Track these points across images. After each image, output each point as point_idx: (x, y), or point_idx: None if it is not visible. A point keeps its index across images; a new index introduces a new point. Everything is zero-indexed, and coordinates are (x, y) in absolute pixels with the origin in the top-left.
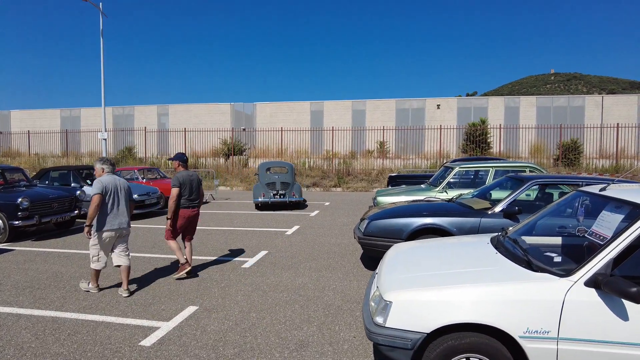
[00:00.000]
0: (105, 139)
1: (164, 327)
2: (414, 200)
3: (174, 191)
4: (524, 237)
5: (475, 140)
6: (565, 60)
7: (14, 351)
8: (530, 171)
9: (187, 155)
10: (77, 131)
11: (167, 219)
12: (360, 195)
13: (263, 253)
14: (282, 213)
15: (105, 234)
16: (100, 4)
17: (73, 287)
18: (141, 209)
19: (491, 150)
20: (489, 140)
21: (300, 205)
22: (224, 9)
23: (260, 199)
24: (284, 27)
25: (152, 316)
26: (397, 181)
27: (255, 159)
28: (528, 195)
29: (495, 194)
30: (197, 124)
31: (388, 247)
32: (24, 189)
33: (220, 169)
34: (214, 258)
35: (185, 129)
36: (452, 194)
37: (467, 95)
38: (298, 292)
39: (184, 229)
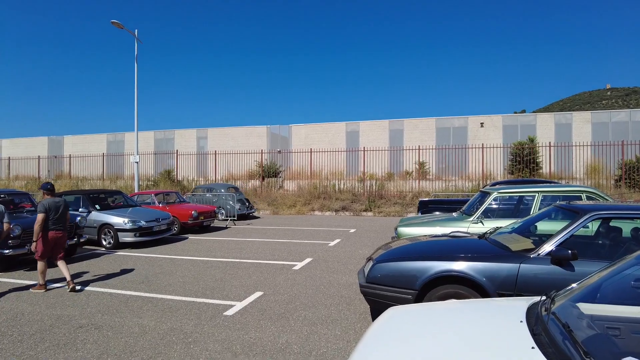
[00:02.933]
0: (137, 162)
1: None
2: (439, 235)
3: (39, 217)
4: (583, 308)
5: (523, 160)
6: (622, 74)
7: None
8: (587, 197)
9: (52, 184)
10: (118, 154)
11: (33, 241)
12: (391, 221)
13: (256, 295)
14: (299, 242)
15: None
16: (136, 30)
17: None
18: (149, 236)
19: (541, 171)
20: (538, 160)
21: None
22: (262, 37)
23: None
24: (321, 50)
25: None
26: (429, 207)
27: (290, 180)
28: (586, 228)
29: (543, 227)
30: (234, 147)
31: (397, 299)
32: (26, 215)
33: (249, 192)
34: (198, 300)
35: (216, 151)
36: (489, 225)
37: (515, 113)
38: (275, 356)
39: (51, 250)
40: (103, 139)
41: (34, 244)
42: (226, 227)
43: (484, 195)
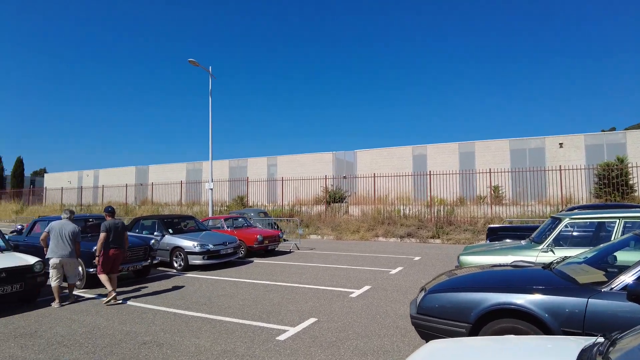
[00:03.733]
0: (211, 189)
1: None
2: (500, 265)
3: (101, 236)
4: None
5: (611, 182)
6: None
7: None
8: None
9: (113, 207)
10: (195, 182)
11: (96, 256)
12: (460, 249)
13: (310, 321)
14: (360, 268)
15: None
16: (210, 67)
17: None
18: (216, 259)
19: (635, 194)
20: (630, 182)
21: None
22: (327, 64)
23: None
24: (386, 69)
25: None
26: (498, 234)
27: (355, 206)
28: None
29: (622, 258)
30: (301, 173)
31: (449, 333)
32: None
33: (313, 217)
34: (254, 323)
35: (282, 177)
36: (561, 255)
37: (602, 131)
38: None
39: (111, 265)
40: (183, 168)
41: (96, 259)
42: (290, 252)
43: (555, 221)
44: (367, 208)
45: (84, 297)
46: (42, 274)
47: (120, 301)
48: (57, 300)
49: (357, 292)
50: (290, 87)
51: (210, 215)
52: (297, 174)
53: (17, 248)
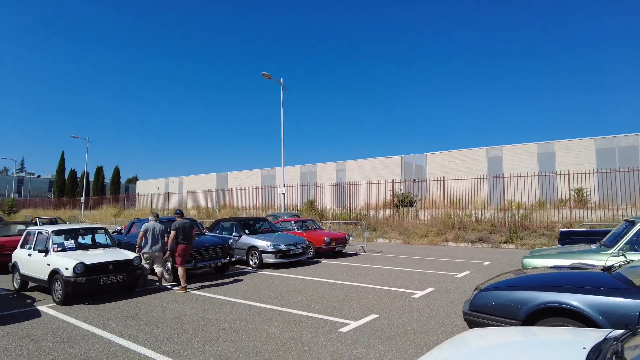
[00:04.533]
0: (283, 193)
1: None
2: (558, 267)
3: (172, 234)
4: None
5: None
6: None
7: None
8: None
9: (181, 210)
10: (269, 187)
11: (167, 250)
12: None
13: (371, 317)
14: (425, 272)
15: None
16: (281, 79)
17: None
18: (287, 258)
19: None
20: None
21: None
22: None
23: None
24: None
25: None
26: (571, 238)
27: (426, 210)
28: None
29: None
30: (369, 177)
31: None
32: (194, 236)
33: (380, 221)
34: (319, 316)
35: (349, 182)
36: (635, 259)
37: None
38: None
39: (184, 257)
40: (258, 174)
41: (167, 252)
42: (357, 254)
43: (629, 225)
44: (438, 212)
45: (172, 288)
46: (140, 267)
47: (188, 292)
48: (159, 282)
49: (419, 293)
50: (359, 91)
51: (287, 218)
52: (365, 179)
53: (119, 245)
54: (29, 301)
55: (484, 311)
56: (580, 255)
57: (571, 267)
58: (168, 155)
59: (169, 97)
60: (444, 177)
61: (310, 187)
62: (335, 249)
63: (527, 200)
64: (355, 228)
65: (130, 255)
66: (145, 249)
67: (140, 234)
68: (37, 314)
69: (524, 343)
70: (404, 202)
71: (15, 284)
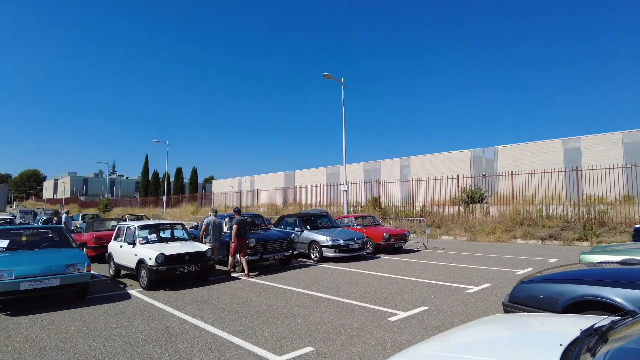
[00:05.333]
0: (346, 191)
1: None
2: (607, 262)
3: (234, 228)
4: None
5: None
6: None
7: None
8: None
9: (239, 208)
10: (333, 184)
11: (231, 242)
12: None
13: (421, 309)
14: (484, 268)
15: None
16: (342, 78)
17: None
18: (346, 253)
19: None
20: None
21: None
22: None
23: None
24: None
25: None
26: None
27: (498, 206)
28: None
29: None
30: (436, 173)
31: None
32: (260, 231)
33: (445, 218)
34: (371, 306)
35: (412, 178)
36: None
37: None
38: None
39: (239, 249)
40: (323, 172)
41: (231, 244)
42: (418, 250)
43: None
44: (507, 208)
45: (240, 278)
46: (212, 258)
47: (246, 277)
48: (228, 272)
49: (474, 289)
50: (424, 84)
51: (346, 214)
52: (431, 174)
53: (194, 239)
54: (121, 286)
55: (522, 303)
56: None
57: (621, 263)
58: (241, 156)
59: (240, 102)
60: (512, 172)
61: (373, 184)
62: (394, 245)
63: (610, 195)
64: (418, 225)
65: (203, 247)
66: (207, 240)
67: (203, 227)
68: (128, 296)
69: (534, 327)
70: (472, 198)
71: (110, 271)
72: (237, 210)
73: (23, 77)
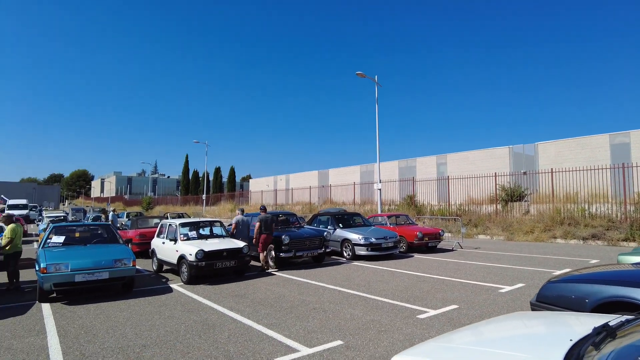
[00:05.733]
0: (379, 189)
1: None
2: None
3: (257, 225)
4: None
5: None
6: None
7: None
8: None
9: (265, 206)
10: (366, 183)
11: (254, 238)
12: None
13: (451, 307)
14: (519, 268)
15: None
16: (376, 76)
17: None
18: (378, 251)
19: None
20: None
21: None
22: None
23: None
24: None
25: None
26: None
27: (537, 204)
28: None
29: None
30: (473, 171)
31: None
32: (294, 229)
33: (482, 217)
34: (401, 304)
35: (448, 177)
36: None
37: None
38: None
39: (264, 245)
40: (357, 170)
41: (254, 240)
42: (452, 250)
43: None
44: (545, 207)
45: (275, 273)
46: (248, 254)
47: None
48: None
49: (507, 288)
50: (461, 80)
51: (379, 213)
52: (468, 172)
53: (232, 236)
54: (164, 280)
55: (550, 302)
56: None
57: None
58: (277, 155)
59: (276, 101)
60: (552, 169)
61: (408, 182)
62: (428, 244)
63: None
64: (454, 224)
65: (240, 244)
66: (238, 237)
67: (233, 225)
68: (170, 290)
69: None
70: (512, 196)
71: (153, 266)
72: (263, 208)
73: (71, 82)
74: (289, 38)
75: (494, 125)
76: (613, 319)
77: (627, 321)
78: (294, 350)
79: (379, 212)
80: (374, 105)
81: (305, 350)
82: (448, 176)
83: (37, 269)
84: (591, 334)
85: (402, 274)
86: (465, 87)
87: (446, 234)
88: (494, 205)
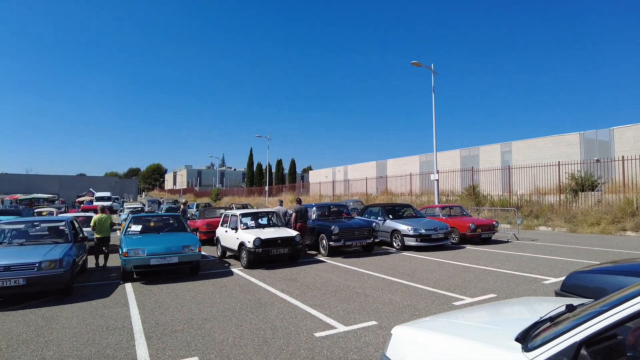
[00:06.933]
0: (436, 180)
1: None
2: None
3: (293, 215)
4: None
5: None
6: None
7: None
8: None
9: (300, 198)
10: (423, 173)
11: (293, 228)
12: None
13: (489, 296)
14: (571, 260)
15: None
16: (432, 65)
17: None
18: (428, 242)
19: None
20: None
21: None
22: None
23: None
24: None
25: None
26: None
27: (613, 194)
28: None
29: None
30: (540, 159)
31: None
32: (344, 220)
33: (544, 207)
34: (440, 291)
35: (509, 166)
36: None
37: None
38: None
39: (300, 232)
40: (416, 160)
41: (293, 228)
42: (507, 241)
43: None
44: (614, 197)
45: (325, 261)
46: (300, 243)
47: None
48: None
49: (552, 280)
50: (526, 62)
51: (436, 204)
52: (535, 160)
53: (287, 225)
54: (226, 265)
55: (571, 291)
56: None
57: None
58: (336, 146)
59: (332, 92)
60: (622, 157)
61: (468, 172)
62: (481, 236)
63: None
64: (514, 215)
65: (293, 233)
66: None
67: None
68: (231, 273)
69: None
70: (583, 185)
71: (218, 253)
72: (299, 200)
73: (151, 84)
74: (346, 28)
75: (563, 110)
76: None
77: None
78: (332, 327)
79: (436, 203)
80: (431, 92)
81: (341, 328)
82: (509, 165)
83: (120, 253)
84: (556, 314)
85: (449, 264)
86: (531, 69)
87: (503, 226)
88: (559, 196)
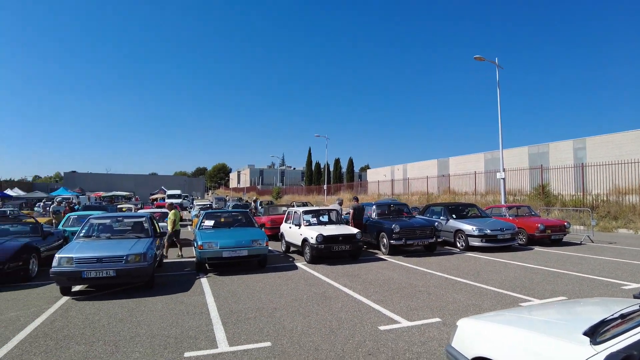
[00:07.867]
0: (503, 178)
1: None
2: None
3: (351, 212)
4: None
5: None
6: None
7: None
8: None
9: (357, 197)
10: (488, 172)
11: (348, 222)
12: None
13: (557, 299)
14: None
15: None
16: (496, 59)
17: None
18: (493, 243)
19: None
20: None
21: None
22: None
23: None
24: None
25: None
26: None
27: None
28: None
29: None
30: (618, 156)
31: None
32: (405, 219)
33: (625, 208)
34: (503, 291)
35: (582, 164)
36: None
37: None
38: None
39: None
40: (481, 158)
41: (351, 224)
42: (580, 243)
43: None
44: None
45: (386, 259)
46: (361, 241)
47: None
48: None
49: (632, 285)
50: (599, 51)
51: (503, 204)
52: (613, 158)
53: (347, 222)
54: (290, 259)
55: None
56: None
57: None
58: (395, 143)
59: (391, 89)
60: None
61: (537, 170)
62: (551, 237)
63: None
64: (588, 216)
65: (354, 230)
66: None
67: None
68: (295, 267)
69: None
70: None
71: (282, 248)
72: (356, 199)
73: (219, 85)
74: (402, 26)
75: None
76: None
77: None
78: (396, 322)
79: (503, 203)
80: (495, 87)
81: (405, 323)
82: (583, 163)
83: (195, 246)
84: (636, 310)
85: (516, 266)
86: (604, 60)
87: (576, 227)
88: None
